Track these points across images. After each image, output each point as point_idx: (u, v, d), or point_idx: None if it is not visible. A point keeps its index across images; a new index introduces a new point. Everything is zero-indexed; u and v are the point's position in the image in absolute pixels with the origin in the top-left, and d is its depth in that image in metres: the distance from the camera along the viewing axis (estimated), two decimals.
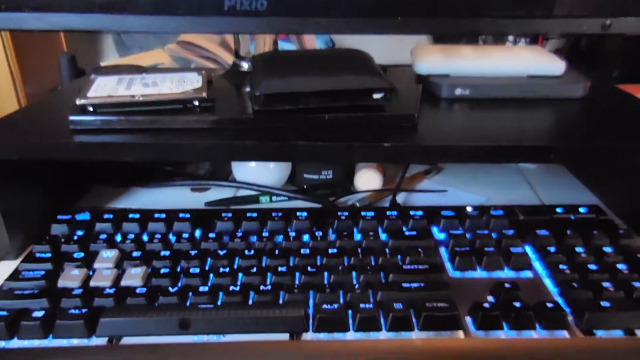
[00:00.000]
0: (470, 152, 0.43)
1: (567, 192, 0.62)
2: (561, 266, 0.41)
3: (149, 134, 0.44)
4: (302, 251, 0.43)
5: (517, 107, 0.51)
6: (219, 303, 0.38)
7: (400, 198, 0.61)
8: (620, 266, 0.41)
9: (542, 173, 0.68)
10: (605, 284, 0.38)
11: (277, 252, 0.42)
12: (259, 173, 0.61)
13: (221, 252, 0.42)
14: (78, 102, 0.44)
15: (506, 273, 0.42)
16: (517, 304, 0.37)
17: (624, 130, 0.46)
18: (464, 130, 0.47)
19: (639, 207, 0.51)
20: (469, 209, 0.49)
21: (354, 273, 0.41)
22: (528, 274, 0.42)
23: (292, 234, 0.45)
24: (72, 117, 0.44)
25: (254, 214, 0.47)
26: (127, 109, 0.44)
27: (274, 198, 0.60)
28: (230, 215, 0.47)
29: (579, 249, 0.43)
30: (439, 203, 0.56)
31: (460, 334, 0.36)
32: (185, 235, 0.45)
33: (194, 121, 0.45)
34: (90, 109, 0.44)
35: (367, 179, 0.61)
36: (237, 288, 0.38)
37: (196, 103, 0.46)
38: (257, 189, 0.60)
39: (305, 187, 0.62)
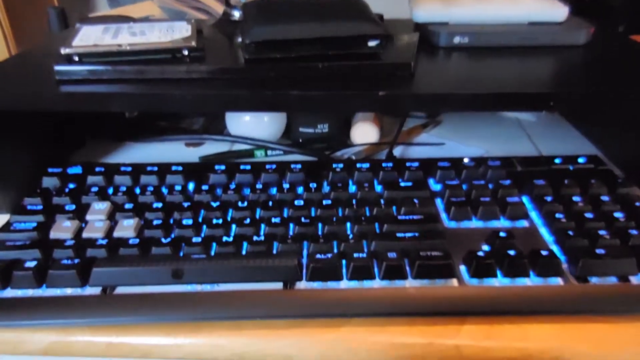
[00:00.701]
0: (467, 100, 0.42)
1: (567, 144, 0.61)
2: (557, 215, 0.40)
3: (137, 84, 0.42)
4: (296, 203, 0.42)
5: (518, 55, 0.50)
6: (212, 253, 0.37)
7: (397, 151, 0.60)
8: (617, 214, 0.40)
9: (542, 125, 0.67)
10: (602, 232, 0.38)
11: (270, 203, 0.42)
12: (253, 127, 0.60)
13: (214, 204, 0.42)
14: (63, 51, 0.42)
15: (502, 223, 0.42)
16: (512, 252, 0.37)
17: (627, 77, 0.45)
18: (462, 79, 0.45)
19: (637, 156, 0.51)
20: (465, 160, 0.48)
21: (348, 224, 0.40)
22: (524, 223, 0.42)
23: (286, 186, 0.44)
24: (57, 67, 0.42)
25: (248, 167, 0.47)
26: (113, 59, 0.43)
27: (269, 152, 0.59)
28: (223, 168, 0.47)
29: (576, 198, 0.42)
30: (436, 156, 0.55)
31: (454, 282, 0.36)
32: (178, 188, 0.44)
33: (183, 71, 0.43)
34: (76, 58, 0.42)
35: (364, 133, 0.60)
36: (230, 239, 0.38)
37: (185, 52, 0.44)
38: (252, 143, 0.59)
39: (300, 140, 0.61)
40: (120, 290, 0.35)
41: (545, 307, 0.35)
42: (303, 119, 0.61)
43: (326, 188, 0.45)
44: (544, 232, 0.41)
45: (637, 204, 0.41)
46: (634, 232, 0.38)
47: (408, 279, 0.36)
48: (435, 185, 0.46)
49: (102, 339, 0.34)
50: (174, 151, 0.61)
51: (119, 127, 0.64)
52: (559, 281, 0.36)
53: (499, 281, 0.36)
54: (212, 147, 0.60)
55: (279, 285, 0.36)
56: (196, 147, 0.62)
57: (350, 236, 0.38)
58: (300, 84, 0.43)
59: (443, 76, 0.46)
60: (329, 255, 0.36)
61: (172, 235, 0.39)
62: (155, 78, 0.43)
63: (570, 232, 0.38)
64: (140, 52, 0.43)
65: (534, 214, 0.43)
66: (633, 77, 0.45)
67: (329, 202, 0.42)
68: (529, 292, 0.35)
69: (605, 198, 0.42)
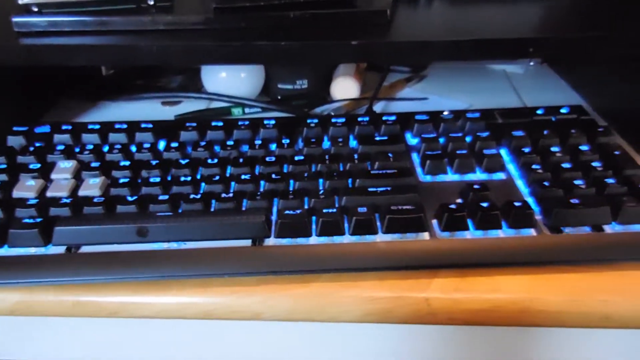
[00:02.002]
0: (445, 48, 0.40)
1: (554, 96, 0.59)
2: (534, 166, 0.39)
3: (100, 36, 0.41)
4: (267, 159, 0.41)
5: (499, 1, 0.48)
6: (180, 211, 0.37)
7: (379, 107, 0.58)
8: (595, 164, 0.39)
9: (530, 77, 0.65)
10: (577, 182, 0.37)
11: (241, 160, 0.41)
12: (230, 84, 0.58)
13: (183, 162, 0.41)
14: (21, 1, 0.40)
15: (478, 176, 0.41)
16: (485, 204, 0.36)
17: (607, 21, 0.43)
18: (441, 27, 0.44)
19: (621, 105, 0.49)
20: (445, 113, 0.47)
21: (321, 180, 0.40)
22: (501, 175, 0.41)
23: (258, 142, 0.43)
24: (15, 19, 0.40)
25: (220, 123, 0.45)
26: (75, 9, 0.41)
27: (246, 110, 0.58)
28: (194, 125, 0.45)
29: (554, 149, 0.41)
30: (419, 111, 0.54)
31: (426, 235, 0.36)
32: (147, 146, 0.43)
33: (148, 22, 0.41)
34: (35, 9, 0.41)
35: (344, 88, 0.58)
36: (198, 196, 0.37)
37: (151, 2, 0.42)
38: (228, 100, 0.57)
39: (279, 97, 0.60)
40: (85, 249, 0.35)
41: (517, 259, 0.34)
42: (281, 75, 0.59)
43: (300, 144, 0.44)
44: (520, 184, 0.40)
45: (616, 152, 0.40)
46: (611, 181, 0.37)
47: (378, 234, 0.35)
48: (412, 140, 0.45)
49: (68, 298, 0.34)
50: (150, 110, 0.59)
51: (94, 87, 0.62)
52: (532, 232, 0.35)
53: (472, 234, 0.36)
54: (189, 105, 0.59)
55: (247, 243, 0.35)
56: (173, 105, 0.60)
57: (321, 192, 0.38)
58: (271, 35, 0.41)
59: (421, 24, 0.44)
60: (298, 211, 0.36)
61: (139, 194, 0.38)
62: (119, 29, 0.41)
63: (546, 183, 0.38)
64: (103, 2, 0.41)
65: (512, 166, 0.42)
66: (613, 20, 0.43)
67: (302, 158, 0.41)
68: (500, 243, 0.35)
69: (584, 148, 0.41)
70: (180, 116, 0.55)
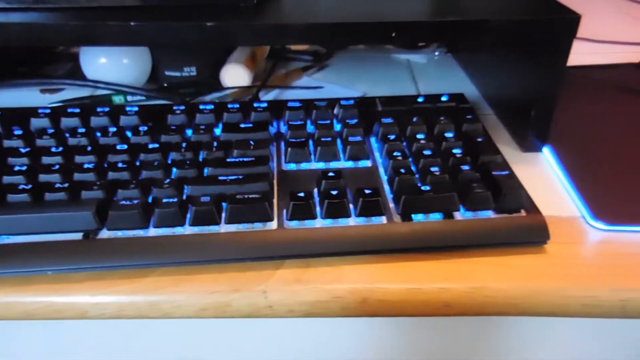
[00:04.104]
0: (302, 31, 0.39)
1: (451, 85, 0.59)
2: (395, 153, 0.39)
3: None
4: (118, 147, 0.38)
5: None
6: (8, 202, 0.34)
7: (272, 95, 0.57)
8: (456, 151, 0.38)
9: (432, 67, 0.65)
10: (434, 169, 0.37)
11: (89, 149, 0.38)
12: (112, 70, 0.55)
13: (23, 150, 0.38)
14: None
15: (343, 163, 0.40)
16: (334, 192, 0.34)
17: (477, 8, 0.43)
18: (308, 11, 0.42)
19: (501, 93, 0.49)
20: (318, 101, 0.45)
21: (174, 169, 0.37)
22: (367, 163, 0.40)
23: (113, 129, 0.40)
24: None
25: (76, 110, 0.42)
26: None
27: (129, 97, 0.55)
28: (47, 111, 0.42)
29: (420, 136, 0.40)
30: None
31: (274, 225, 0.34)
32: None
33: None
34: None
35: (234, 75, 0.56)
36: (29, 187, 0.34)
37: None
38: (112, 88, 0.54)
39: (166, 85, 0.57)
40: None
41: (364, 247, 0.33)
42: (168, 61, 0.57)
43: (160, 132, 0.41)
44: (382, 171, 0.39)
45: (478, 139, 0.40)
46: (465, 167, 0.36)
47: (222, 224, 0.34)
48: (283, 127, 0.44)
49: None
50: (28, 98, 0.55)
51: None
52: (382, 220, 0.34)
53: (321, 222, 0.34)
54: (72, 93, 0.55)
55: (78, 236, 0.33)
56: (53, 93, 0.57)
57: (167, 181, 0.35)
58: (120, 15, 0.38)
59: (290, 8, 0.43)
60: (136, 202, 0.33)
61: None
62: None
63: (402, 170, 0.37)
64: None
65: (378, 154, 0.41)
66: (480, 6, 0.42)
67: (156, 146, 0.39)
68: (348, 232, 0.33)
69: (449, 135, 0.40)
70: (55, 104, 0.52)
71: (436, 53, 0.68)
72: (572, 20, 0.38)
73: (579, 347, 0.40)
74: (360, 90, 0.58)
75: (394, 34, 0.39)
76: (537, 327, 0.38)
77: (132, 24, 0.38)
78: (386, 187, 0.37)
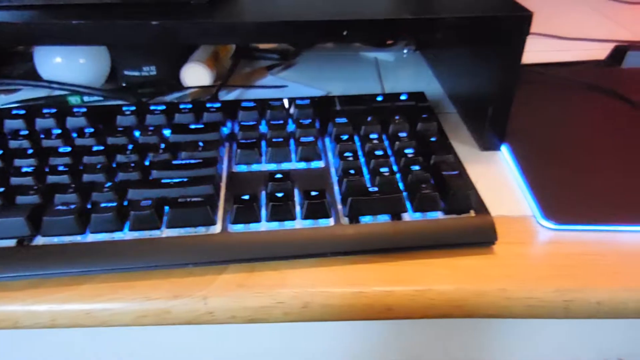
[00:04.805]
0: (250, 30, 0.38)
1: (416, 84, 0.59)
2: (346, 154, 0.38)
3: None
4: (60, 150, 0.37)
5: None
6: None
7: (234, 94, 0.56)
8: (408, 150, 0.38)
9: (400, 66, 0.64)
10: (383, 170, 0.36)
11: (30, 151, 0.37)
12: (68, 70, 0.54)
13: None
14: None
15: (295, 165, 0.39)
16: (279, 194, 0.34)
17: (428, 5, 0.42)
18: (263, 10, 0.41)
19: (461, 91, 0.49)
20: (272, 100, 0.44)
21: (120, 173, 0.36)
22: (320, 164, 0.39)
23: (57, 132, 0.39)
24: None
25: (21, 112, 0.41)
26: None
27: (86, 98, 0.53)
28: None
29: (373, 136, 0.40)
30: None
31: (217, 229, 0.33)
32: None
33: None
34: None
35: (194, 74, 0.55)
36: None
37: None
38: (66, 88, 0.53)
39: (125, 84, 0.56)
40: None
41: (309, 251, 0.32)
42: (126, 60, 0.55)
43: (107, 134, 0.40)
44: (333, 172, 0.38)
45: (432, 139, 0.39)
46: (416, 167, 0.36)
47: (163, 229, 0.33)
48: (237, 128, 0.43)
49: None
50: None
51: None
52: (330, 223, 0.34)
53: (266, 225, 0.33)
54: (29, 94, 0.54)
55: (12, 242, 0.32)
56: (8, 94, 0.55)
57: (108, 185, 0.34)
58: (63, 13, 0.37)
59: (243, 7, 0.42)
60: (72, 207, 0.32)
61: None
62: None
63: (352, 171, 0.36)
64: None
65: (331, 154, 0.40)
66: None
67: (101, 148, 0.38)
68: (294, 235, 0.33)
69: (403, 134, 0.40)
70: (7, 105, 0.50)
71: (405, 51, 0.68)
72: (524, 18, 0.38)
73: (570, 347, 0.39)
74: (325, 89, 0.57)
75: (345, 32, 0.38)
76: (526, 328, 0.37)
77: (73, 22, 0.37)
78: (336, 188, 0.36)
